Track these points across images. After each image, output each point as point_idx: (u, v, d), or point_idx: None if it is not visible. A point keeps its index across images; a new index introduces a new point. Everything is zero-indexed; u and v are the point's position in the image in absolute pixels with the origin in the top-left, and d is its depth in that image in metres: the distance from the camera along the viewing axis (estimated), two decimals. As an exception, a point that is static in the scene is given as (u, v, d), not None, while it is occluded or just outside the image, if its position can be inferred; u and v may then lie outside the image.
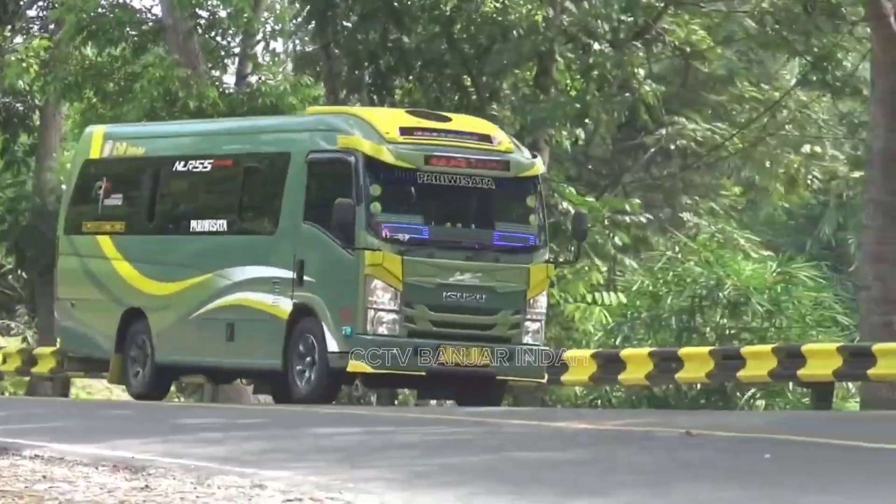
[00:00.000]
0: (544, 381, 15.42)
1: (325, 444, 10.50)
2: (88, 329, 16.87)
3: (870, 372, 16.23)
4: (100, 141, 17.39)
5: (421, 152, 13.93)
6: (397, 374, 14.00)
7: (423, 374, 13.81)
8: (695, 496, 5.46)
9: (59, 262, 17.78)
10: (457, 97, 25.59)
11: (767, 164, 26.43)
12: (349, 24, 27.09)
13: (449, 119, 15.61)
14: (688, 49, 25.99)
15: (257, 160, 15.63)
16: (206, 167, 15.89)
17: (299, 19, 28.00)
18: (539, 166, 14.99)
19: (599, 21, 25.07)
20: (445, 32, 26.09)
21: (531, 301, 14.17)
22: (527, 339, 14.16)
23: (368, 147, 13.60)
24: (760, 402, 21.13)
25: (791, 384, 19.06)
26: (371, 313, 13.56)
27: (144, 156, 16.83)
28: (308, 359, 13.98)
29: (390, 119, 14.81)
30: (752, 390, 20.15)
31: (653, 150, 26.02)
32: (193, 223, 15.65)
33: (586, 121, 23.80)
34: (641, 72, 25.17)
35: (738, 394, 20.35)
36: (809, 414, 17.50)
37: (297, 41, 29.70)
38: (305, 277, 14.06)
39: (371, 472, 7.09)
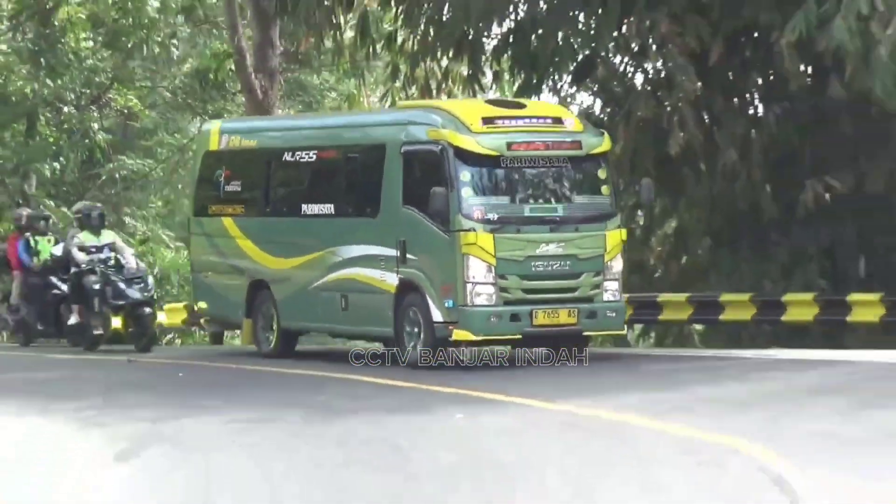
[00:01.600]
0: (624, 332, 17.02)
1: None
2: (222, 298, 18.36)
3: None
4: (216, 135, 18.95)
5: (503, 139, 14.54)
6: (500, 336, 14.80)
7: (520, 336, 14.67)
8: (134, 400, 12.93)
9: (191, 241, 19.82)
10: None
11: (180, 186, 35.39)
12: None
13: (524, 105, 16.44)
14: (126, 111, 36.49)
15: (357, 151, 16.59)
16: (311, 157, 17.06)
17: None
18: (607, 142, 15.53)
19: (68, 92, 35.35)
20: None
21: (609, 263, 14.78)
22: (607, 296, 14.86)
23: (456, 138, 14.29)
24: (178, 341, 29.73)
25: (198, 329, 25.56)
26: (469, 287, 14.17)
27: (257, 147, 18.16)
28: (416, 328, 14.83)
29: (473, 110, 15.51)
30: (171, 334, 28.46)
31: (104, 177, 37.41)
32: (304, 206, 16.93)
33: (60, 158, 34.65)
34: (96, 126, 35.59)
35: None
36: (210, 349, 23.47)
37: None
38: (408, 255, 14.84)
39: None
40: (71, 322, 19.23)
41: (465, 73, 22.31)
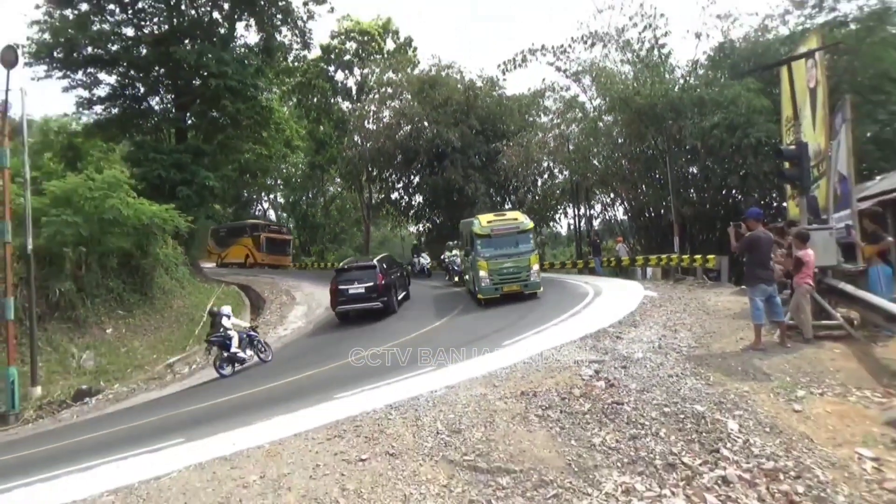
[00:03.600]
0: (541, 289, 19.06)
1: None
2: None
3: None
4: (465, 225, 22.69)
5: (490, 227, 18.99)
6: (491, 297, 18.51)
7: (499, 295, 18.54)
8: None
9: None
10: None
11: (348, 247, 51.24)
12: None
13: (505, 214, 20.35)
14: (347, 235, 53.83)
15: (465, 232, 21.75)
16: (466, 234, 21.61)
17: None
18: (531, 224, 19.51)
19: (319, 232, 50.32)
20: None
21: (532, 267, 18.67)
22: (533, 278, 18.69)
23: (477, 228, 19.07)
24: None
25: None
26: (480, 279, 18.76)
27: (468, 230, 20.93)
28: (474, 290, 19.48)
29: (485, 218, 19.79)
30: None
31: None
32: (464, 250, 22.44)
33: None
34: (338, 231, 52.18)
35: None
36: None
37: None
38: (471, 266, 20.00)
39: None
40: (447, 280, 25.69)
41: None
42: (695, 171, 27.07)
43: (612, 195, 32.05)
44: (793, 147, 11.10)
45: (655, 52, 26.99)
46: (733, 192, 25.96)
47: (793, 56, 12.78)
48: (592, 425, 6.95)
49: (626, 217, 32.12)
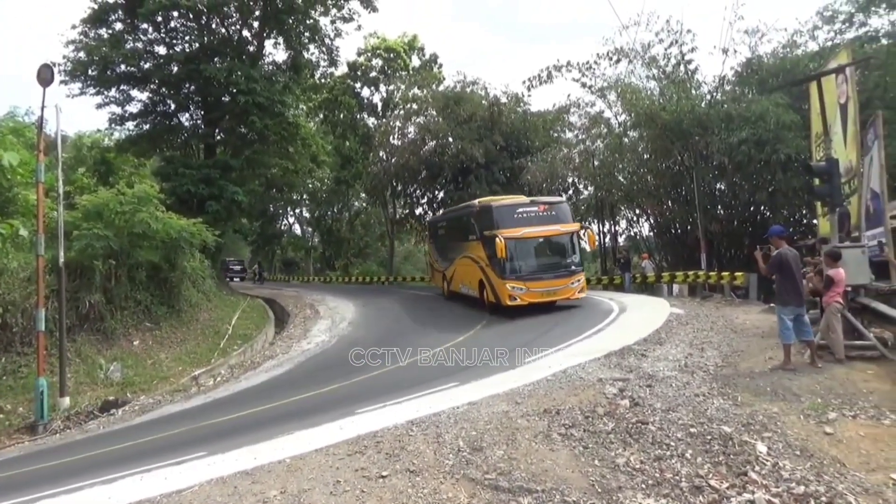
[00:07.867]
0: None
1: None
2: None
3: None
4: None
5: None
6: None
7: None
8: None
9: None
10: None
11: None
12: None
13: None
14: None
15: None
16: None
17: None
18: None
19: None
20: None
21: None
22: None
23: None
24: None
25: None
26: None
27: None
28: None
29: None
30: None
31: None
32: None
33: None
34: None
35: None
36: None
37: None
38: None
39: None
40: None
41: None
42: (722, 188, 27.03)
43: (637, 211, 32.08)
44: (823, 163, 10.94)
45: (682, 67, 26.96)
46: (761, 208, 25.80)
47: (823, 71, 12.64)
48: (616, 445, 6.82)
49: (651, 233, 32.20)
